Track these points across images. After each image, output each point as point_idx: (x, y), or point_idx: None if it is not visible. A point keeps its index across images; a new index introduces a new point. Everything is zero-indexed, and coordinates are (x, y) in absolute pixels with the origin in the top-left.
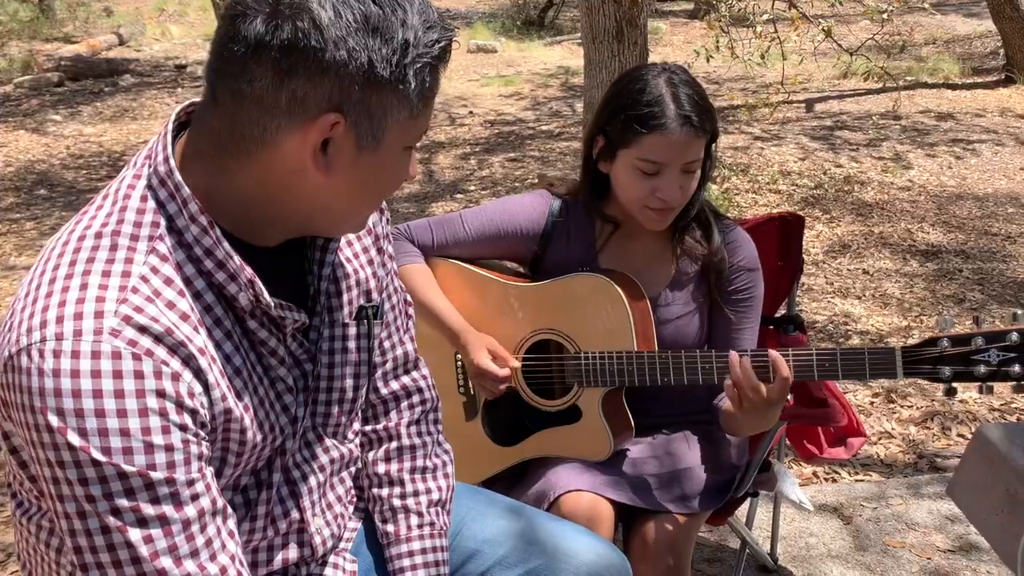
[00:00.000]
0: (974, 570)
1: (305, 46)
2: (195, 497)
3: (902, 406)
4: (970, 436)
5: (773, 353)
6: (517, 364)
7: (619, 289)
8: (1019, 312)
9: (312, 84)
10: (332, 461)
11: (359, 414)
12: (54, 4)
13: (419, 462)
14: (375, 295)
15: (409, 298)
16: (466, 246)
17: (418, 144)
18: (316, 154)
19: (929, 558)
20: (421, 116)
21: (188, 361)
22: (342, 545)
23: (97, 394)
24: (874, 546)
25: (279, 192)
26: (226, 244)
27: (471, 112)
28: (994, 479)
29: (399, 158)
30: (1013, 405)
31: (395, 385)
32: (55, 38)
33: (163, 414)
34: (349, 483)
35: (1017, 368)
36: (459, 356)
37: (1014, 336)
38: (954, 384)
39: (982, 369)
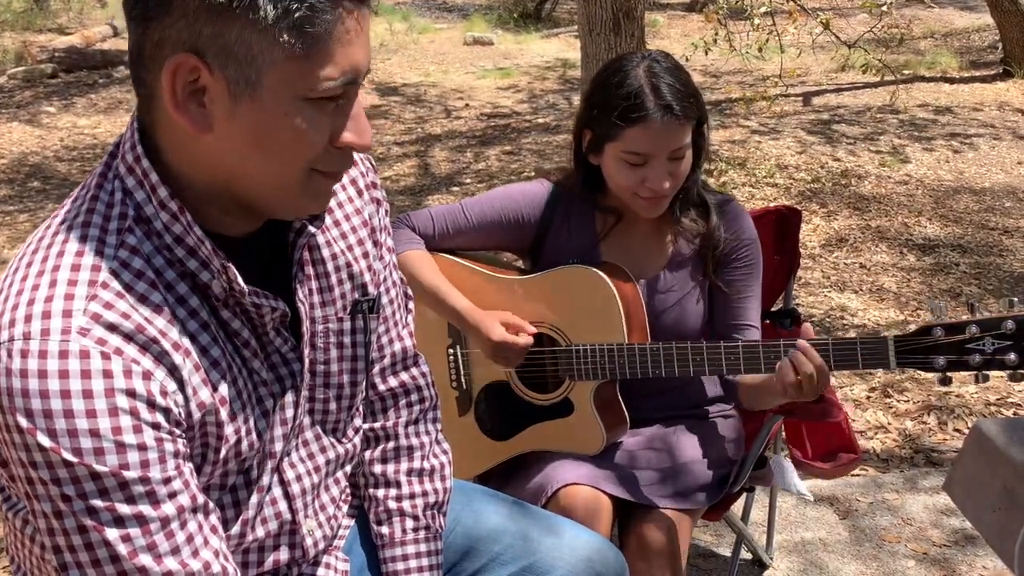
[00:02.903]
0: (970, 564)
1: None
2: (172, 495)
3: (898, 400)
4: (966, 430)
5: (802, 343)
6: (534, 329)
7: (609, 280)
8: (1015, 300)
9: (163, 27)
10: (328, 462)
11: (359, 410)
12: None
13: (416, 463)
14: (371, 289)
15: (409, 291)
16: (467, 235)
17: (412, 140)
18: (180, 105)
19: (925, 552)
20: (310, 60)
21: (161, 358)
22: (334, 543)
23: (65, 395)
24: (870, 540)
25: (192, 161)
26: (198, 229)
27: (467, 105)
28: (991, 475)
29: (294, 110)
30: (1010, 399)
31: (393, 382)
32: (49, 29)
33: (134, 413)
34: (344, 483)
35: (1012, 356)
36: (451, 351)
37: (1009, 324)
38: (948, 373)
39: (977, 358)
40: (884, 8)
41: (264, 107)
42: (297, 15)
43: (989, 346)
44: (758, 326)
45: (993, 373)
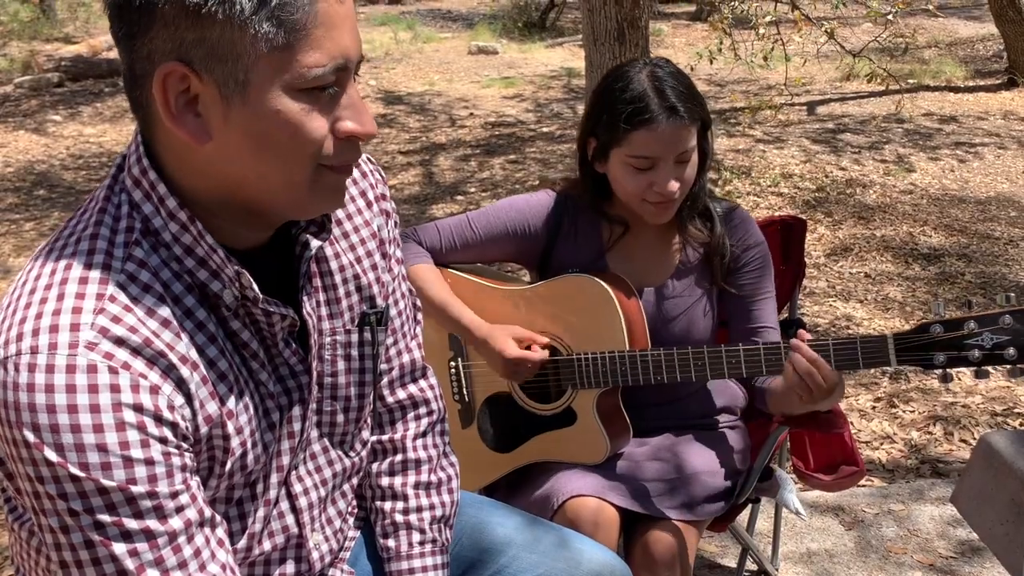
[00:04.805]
0: None
1: (122, 2)
2: (180, 509)
3: (904, 410)
4: (972, 440)
5: (794, 341)
6: (545, 340)
7: (609, 288)
8: (1011, 295)
9: (148, 38)
10: (336, 475)
11: (367, 422)
12: (55, 4)
13: (424, 476)
14: (379, 301)
15: (418, 302)
16: (475, 248)
17: (416, 149)
18: (176, 116)
19: (931, 563)
20: (294, 48)
21: (168, 372)
22: (340, 555)
23: (72, 409)
24: (876, 551)
25: (196, 173)
26: (209, 238)
27: (472, 114)
28: (998, 488)
29: (287, 103)
30: (1016, 409)
31: (402, 394)
32: (55, 38)
33: (141, 428)
34: (351, 496)
35: (1011, 351)
36: (452, 364)
37: (1007, 319)
38: (949, 370)
39: (976, 353)
40: (889, 17)
41: (256, 105)
42: (274, 3)
43: (988, 341)
44: (776, 327)
45: (992, 368)
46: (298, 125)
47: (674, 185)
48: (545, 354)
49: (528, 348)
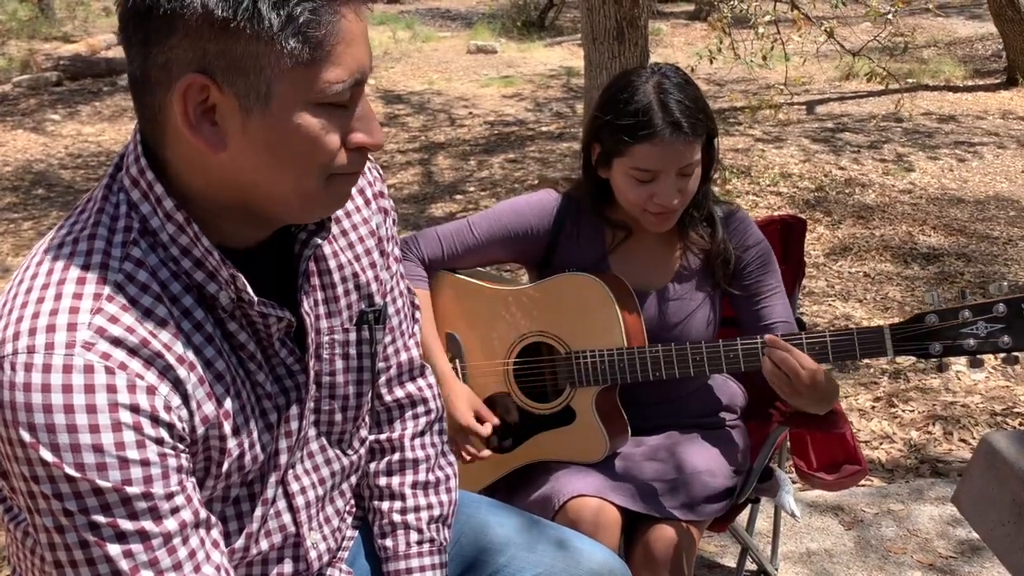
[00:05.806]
0: None
1: (143, 9)
2: (175, 510)
3: (903, 410)
4: (972, 440)
5: (769, 337)
6: (496, 421)
7: (606, 287)
8: (1004, 284)
9: (168, 47)
10: (334, 474)
11: (366, 421)
12: (53, 3)
13: (421, 476)
14: (377, 299)
15: (416, 301)
16: (476, 252)
17: (416, 148)
18: (194, 126)
19: (931, 563)
20: (317, 64)
21: (165, 372)
22: (338, 555)
23: (68, 409)
24: (876, 551)
25: (206, 178)
26: (205, 240)
27: (471, 113)
28: (1000, 488)
29: (306, 117)
30: (1015, 409)
31: (399, 393)
32: (54, 37)
33: (137, 428)
34: (349, 495)
35: (1006, 339)
36: (451, 364)
37: (1001, 307)
38: (944, 359)
39: (971, 342)
40: (888, 17)
41: (276, 118)
42: (301, 20)
43: (983, 330)
44: (790, 319)
45: (988, 356)
46: (316, 138)
47: (675, 198)
48: (488, 429)
49: (481, 422)
